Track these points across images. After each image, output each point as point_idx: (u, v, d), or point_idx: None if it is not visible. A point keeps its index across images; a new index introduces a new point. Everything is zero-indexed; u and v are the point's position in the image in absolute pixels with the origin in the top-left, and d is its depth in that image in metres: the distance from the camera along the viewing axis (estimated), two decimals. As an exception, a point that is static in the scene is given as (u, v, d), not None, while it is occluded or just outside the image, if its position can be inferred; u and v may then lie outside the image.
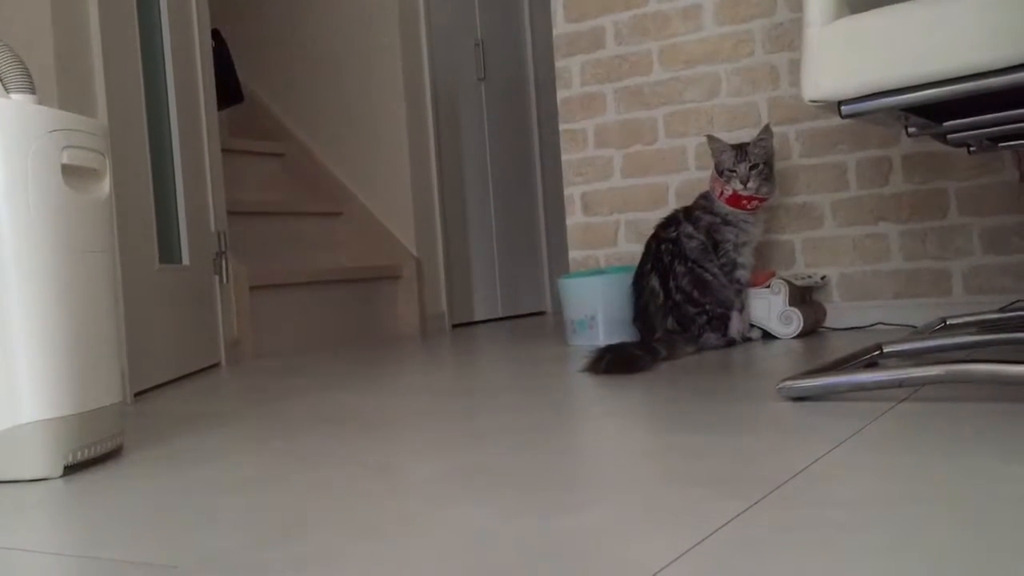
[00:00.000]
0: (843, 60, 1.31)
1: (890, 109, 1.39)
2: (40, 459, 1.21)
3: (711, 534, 0.78)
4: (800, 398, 1.37)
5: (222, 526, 0.92)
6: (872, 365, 1.59)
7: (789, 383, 1.37)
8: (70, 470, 1.24)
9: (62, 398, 1.23)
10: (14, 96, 1.25)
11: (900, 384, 1.30)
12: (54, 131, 1.25)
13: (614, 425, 1.32)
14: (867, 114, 1.36)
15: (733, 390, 1.55)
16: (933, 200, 2.28)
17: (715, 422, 1.27)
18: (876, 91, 1.30)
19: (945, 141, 1.75)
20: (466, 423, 1.41)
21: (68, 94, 1.94)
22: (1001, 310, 2.08)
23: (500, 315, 3.94)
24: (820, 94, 1.33)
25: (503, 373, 2.02)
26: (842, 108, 1.35)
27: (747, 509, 0.84)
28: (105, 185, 1.36)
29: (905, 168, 2.30)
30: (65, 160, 1.26)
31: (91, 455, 1.28)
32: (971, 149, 1.92)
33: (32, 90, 1.28)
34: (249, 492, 1.06)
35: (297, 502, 1.00)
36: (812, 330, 2.32)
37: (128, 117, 2.18)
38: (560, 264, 4.11)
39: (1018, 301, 2.14)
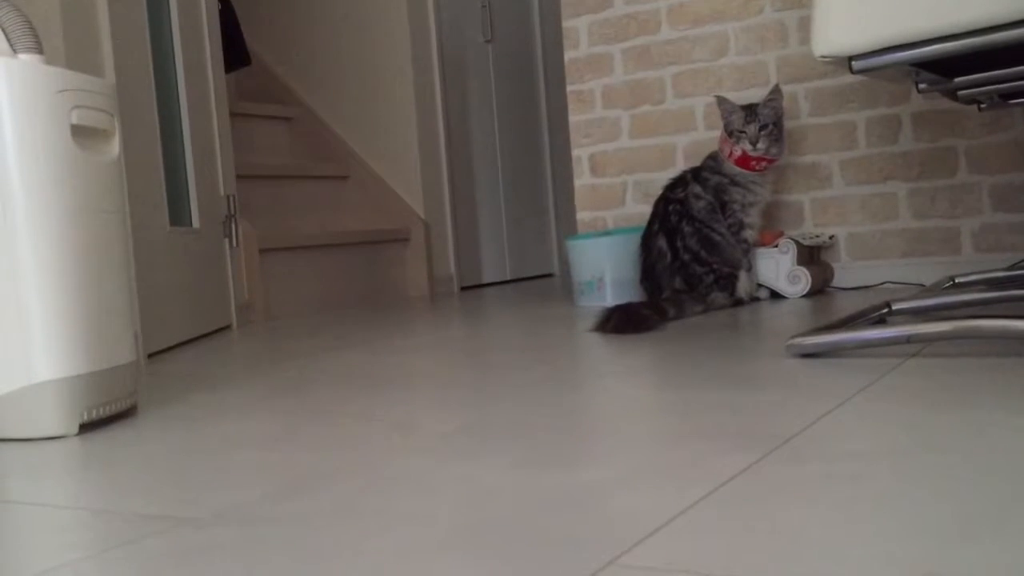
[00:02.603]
0: (854, 15, 1.30)
1: (901, 64, 1.39)
2: (56, 417, 1.22)
3: (719, 487, 0.78)
4: (809, 355, 1.37)
5: (238, 481, 0.94)
6: (881, 322, 1.60)
7: (798, 340, 1.38)
8: (85, 428, 1.26)
9: (76, 357, 1.25)
10: (21, 56, 1.25)
11: (908, 340, 1.31)
12: (63, 91, 1.25)
13: (623, 382, 1.33)
14: (878, 69, 1.35)
15: (741, 348, 1.56)
16: (943, 158, 2.26)
17: (724, 379, 1.28)
18: (887, 46, 1.30)
19: (955, 98, 1.74)
20: (476, 381, 1.43)
21: (75, 55, 1.94)
22: (1010, 268, 2.08)
23: (508, 277, 3.95)
24: (831, 49, 1.32)
25: (512, 333, 2.03)
26: (853, 63, 1.34)
27: (756, 462, 0.85)
28: (115, 145, 1.36)
29: (915, 126, 2.29)
30: (74, 120, 1.26)
31: (106, 413, 1.29)
32: (981, 106, 1.91)
33: (40, 50, 1.28)
34: (263, 448, 1.08)
35: (310, 457, 1.01)
36: (820, 289, 2.32)
37: (136, 80, 2.17)
38: (568, 226, 4.11)
39: (1027, 259, 2.14)
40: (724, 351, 1.53)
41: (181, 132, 2.45)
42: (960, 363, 1.24)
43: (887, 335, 1.33)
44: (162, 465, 1.04)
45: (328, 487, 0.88)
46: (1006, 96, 1.83)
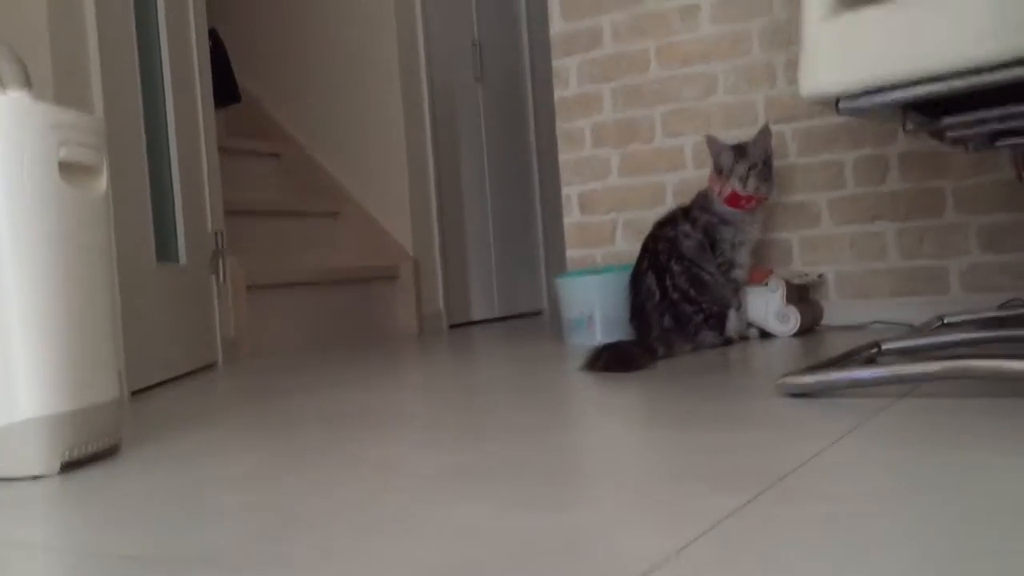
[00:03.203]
0: (841, 56, 1.31)
1: (888, 105, 1.39)
2: (37, 456, 1.20)
3: (712, 527, 0.77)
4: (799, 394, 1.37)
5: (220, 522, 0.92)
6: (870, 362, 1.59)
7: (788, 379, 1.37)
8: (67, 467, 1.24)
9: (59, 395, 1.23)
10: (10, 92, 1.25)
11: (899, 380, 1.30)
12: (51, 127, 1.24)
13: (612, 422, 1.32)
14: (865, 110, 1.36)
15: (731, 387, 1.55)
16: (930, 199, 2.28)
17: (714, 418, 1.27)
18: (874, 87, 1.30)
19: (943, 139, 1.75)
20: (464, 420, 1.41)
21: (65, 91, 1.94)
22: (999, 308, 2.08)
23: (497, 315, 3.94)
24: (818, 90, 1.33)
25: (501, 371, 2.01)
26: (840, 104, 1.35)
27: (749, 502, 0.84)
28: (102, 182, 1.36)
29: (902, 167, 2.30)
30: (62, 156, 1.25)
31: (88, 452, 1.27)
32: (968, 147, 1.92)
33: (28, 86, 1.27)
34: (247, 489, 1.06)
35: (295, 499, 0.99)
36: (809, 328, 2.32)
37: (125, 115, 2.17)
38: (557, 263, 4.11)
39: (1015, 299, 2.14)
40: (714, 390, 1.52)
41: (169, 168, 2.45)
42: (950, 403, 1.24)
43: (877, 375, 1.32)
44: (143, 506, 1.02)
45: (313, 529, 0.87)
46: (993, 137, 1.85)
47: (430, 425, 1.40)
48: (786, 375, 1.39)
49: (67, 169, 1.27)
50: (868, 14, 1.29)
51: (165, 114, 2.45)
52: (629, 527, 0.80)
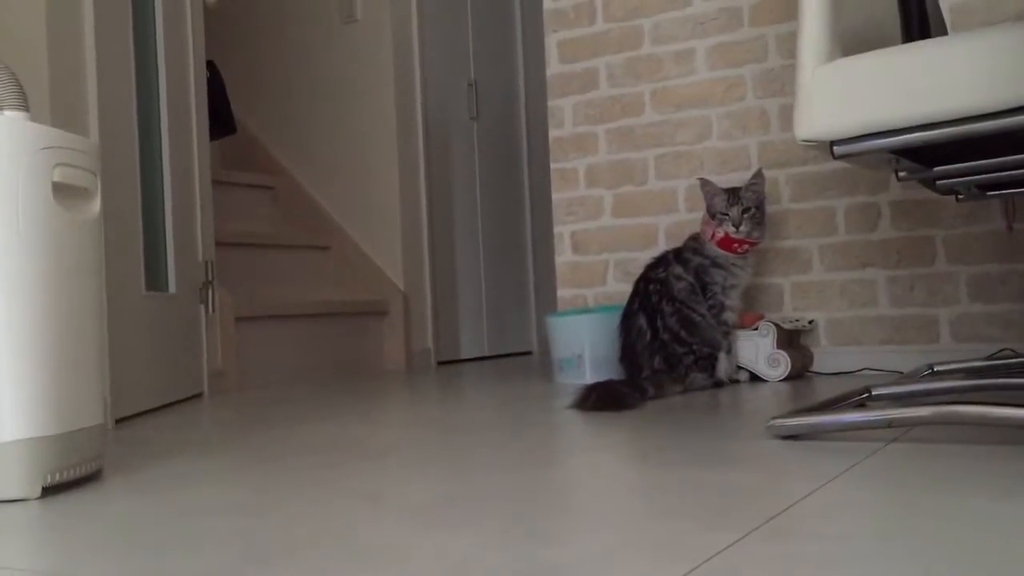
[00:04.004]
0: (836, 101, 1.32)
1: (881, 151, 1.40)
2: (18, 479, 1.19)
3: (701, 563, 0.76)
4: (789, 436, 1.36)
5: (203, 549, 0.90)
6: (861, 407, 1.59)
7: (779, 421, 1.37)
8: (48, 491, 1.22)
9: (43, 418, 1.21)
10: (7, 113, 1.25)
11: (889, 424, 1.30)
12: (46, 148, 1.24)
13: (601, 460, 1.31)
14: (859, 155, 1.37)
15: (722, 428, 1.54)
16: (921, 247, 2.29)
17: (705, 458, 1.26)
18: (868, 132, 1.31)
19: (934, 187, 1.77)
20: (453, 455, 1.40)
21: (60, 116, 1.94)
22: (989, 358, 2.09)
23: (486, 354, 3.93)
24: (813, 134, 1.34)
25: (490, 409, 2.00)
26: (834, 148, 1.36)
27: (738, 540, 0.83)
28: (95, 205, 1.35)
29: (893, 215, 2.32)
30: (56, 178, 1.25)
31: (70, 477, 1.25)
32: (959, 197, 1.93)
33: (26, 108, 1.27)
34: (231, 517, 1.05)
35: (280, 527, 0.98)
36: (799, 374, 2.31)
37: (120, 142, 2.17)
38: (547, 304, 4.11)
39: (1005, 349, 2.15)
40: (705, 431, 1.51)
41: (162, 196, 2.45)
42: (940, 448, 1.23)
43: (868, 419, 1.32)
44: (125, 531, 1.00)
45: (298, 557, 0.85)
46: (983, 187, 1.86)
47: (418, 459, 1.38)
48: (776, 417, 1.39)
49: (61, 191, 1.26)
50: (863, 61, 1.31)
51: (160, 142, 2.45)
52: (621, 561, 0.79)
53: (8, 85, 1.27)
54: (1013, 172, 1.59)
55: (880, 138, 1.31)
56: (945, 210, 2.26)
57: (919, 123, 1.27)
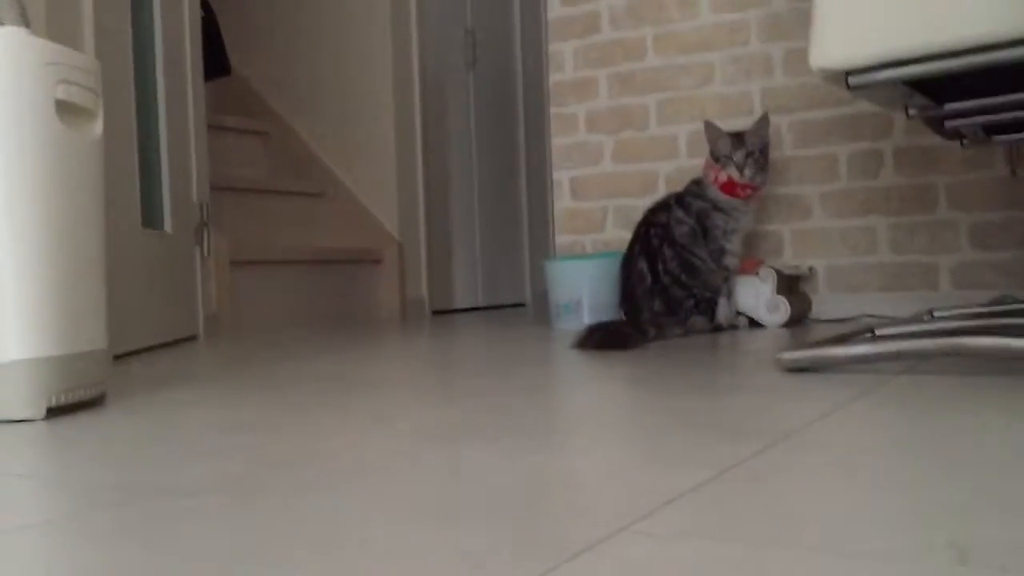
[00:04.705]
0: (853, 29, 1.30)
1: (896, 84, 1.39)
2: (23, 399, 1.17)
3: (725, 470, 0.76)
4: (798, 370, 1.36)
5: (220, 457, 0.90)
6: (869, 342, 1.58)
7: (787, 354, 1.36)
8: (53, 413, 1.21)
9: (48, 339, 1.20)
10: (8, 27, 1.22)
11: (899, 356, 1.30)
12: (49, 64, 1.21)
13: (612, 388, 1.30)
14: (873, 87, 1.35)
15: (729, 364, 1.54)
16: (923, 194, 2.28)
17: (716, 388, 1.26)
18: (885, 61, 1.30)
19: (941, 130, 1.75)
20: (455, 386, 1.39)
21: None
22: (988, 304, 2.09)
23: (480, 304, 3.92)
24: (828, 63, 1.32)
25: (490, 349, 1.99)
26: (849, 79, 1.34)
27: (759, 452, 0.82)
28: (98, 125, 1.33)
29: (896, 161, 2.30)
30: (59, 95, 1.22)
31: (75, 399, 1.24)
32: (964, 142, 1.92)
33: (27, 23, 1.24)
34: (242, 433, 1.04)
35: (292, 441, 0.97)
36: (798, 320, 2.31)
37: (115, 77, 2.13)
38: (541, 254, 4.09)
39: (1006, 295, 2.15)
40: (712, 366, 1.51)
41: (157, 134, 2.41)
42: (948, 379, 1.23)
43: (877, 350, 1.32)
44: (139, 443, 0.99)
45: (316, 464, 0.85)
46: (990, 131, 1.85)
47: (422, 389, 1.38)
48: (784, 350, 1.38)
49: (64, 109, 1.24)
50: (882, -13, 1.28)
51: (155, 79, 2.41)
52: (644, 468, 0.78)
53: (10, 2, 1.24)
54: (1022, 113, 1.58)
55: (896, 68, 1.29)
56: (948, 157, 2.25)
57: (938, 52, 1.25)
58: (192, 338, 2.59)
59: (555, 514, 0.65)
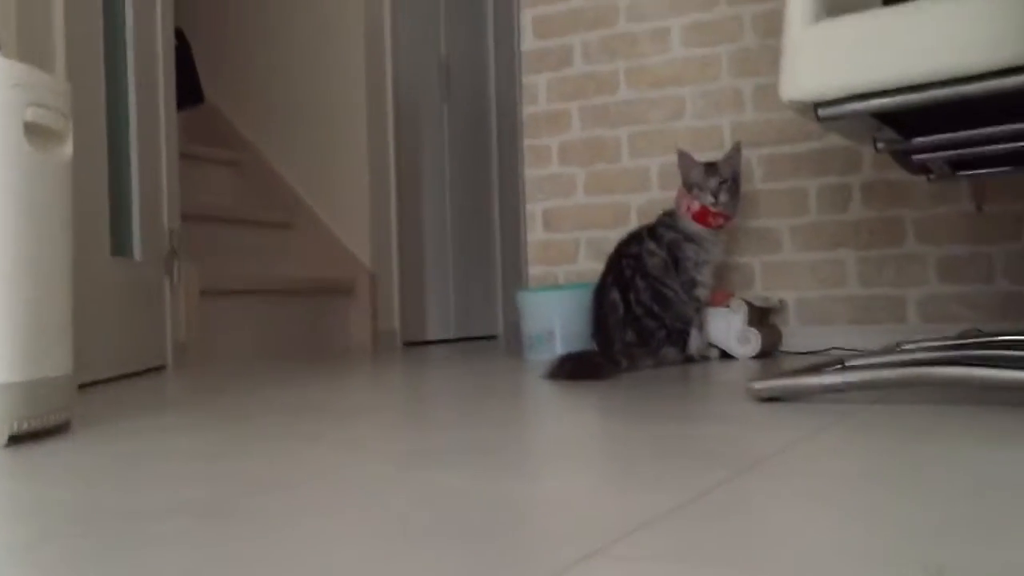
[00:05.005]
0: (823, 62, 1.32)
1: (864, 116, 1.41)
2: (-17, 425, 1.15)
3: (697, 497, 0.75)
4: (769, 399, 1.36)
5: (186, 483, 0.88)
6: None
7: (759, 383, 1.37)
8: (15, 440, 1.18)
9: (11, 363, 1.17)
10: (-22, 49, 1.21)
11: (868, 385, 1.30)
12: (17, 85, 1.20)
13: (584, 417, 1.30)
14: (842, 119, 1.37)
15: (701, 394, 1.54)
16: (891, 228, 2.31)
17: (687, 416, 1.25)
18: (853, 94, 1.32)
19: (909, 164, 1.78)
20: (428, 416, 1.38)
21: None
22: (958, 336, 2.11)
23: (452, 336, 3.90)
24: (799, 95, 1.34)
25: (462, 380, 1.98)
26: (819, 111, 1.36)
27: (729, 479, 0.82)
28: (67, 148, 1.31)
29: (864, 196, 2.33)
30: (28, 117, 1.21)
31: (38, 426, 1.22)
32: (931, 176, 1.95)
33: (-3, 45, 1.23)
34: (214, 460, 1.02)
35: (266, 468, 0.96)
36: (768, 352, 2.32)
37: (87, 104, 2.12)
38: (514, 286, 4.09)
39: (972, 328, 2.17)
40: (684, 396, 1.51)
41: (128, 161, 2.40)
42: (919, 408, 1.24)
43: (847, 379, 1.32)
44: (101, 471, 0.97)
45: (288, 490, 0.83)
46: (955, 166, 1.88)
47: (393, 418, 1.37)
48: (755, 380, 1.38)
49: (32, 131, 1.23)
50: (850, 21, 1.31)
51: (128, 107, 2.40)
52: (617, 494, 0.78)
53: (-22, 22, 1.23)
54: (989, 147, 1.60)
55: (865, 100, 1.31)
56: (915, 191, 2.28)
57: (905, 85, 1.27)
58: (160, 368, 2.56)
59: (528, 538, 0.64)
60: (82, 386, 2.02)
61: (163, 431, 1.27)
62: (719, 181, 2.14)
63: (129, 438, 1.21)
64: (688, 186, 2.18)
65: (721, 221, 2.18)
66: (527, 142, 2.76)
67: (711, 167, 2.17)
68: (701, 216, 2.16)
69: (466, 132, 4.06)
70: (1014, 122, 1.43)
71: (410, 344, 3.61)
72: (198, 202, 3.22)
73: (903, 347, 2.08)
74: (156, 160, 2.56)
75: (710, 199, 2.14)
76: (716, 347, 2.28)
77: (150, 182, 2.51)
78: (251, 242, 3.38)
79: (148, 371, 2.45)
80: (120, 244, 2.32)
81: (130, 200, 2.40)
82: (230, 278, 2.96)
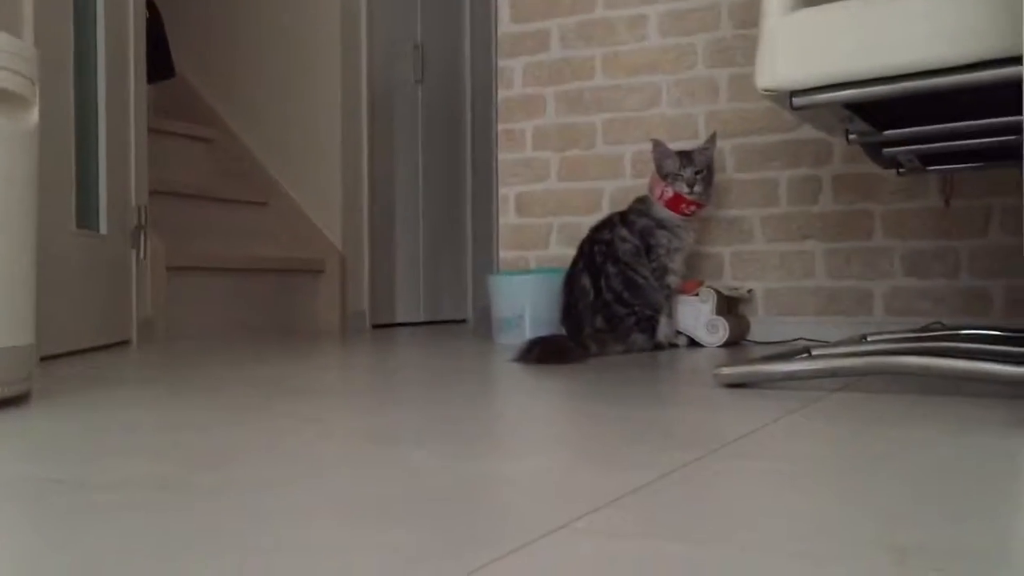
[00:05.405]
0: (797, 51, 1.32)
1: (838, 106, 1.42)
2: (-59, 393, 1.13)
3: (666, 474, 0.76)
4: (735, 385, 1.37)
5: (145, 456, 0.87)
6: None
7: (726, 369, 1.37)
8: (-27, 409, 1.16)
9: (-30, 331, 1.15)
10: (-57, 9, 1.18)
11: (835, 373, 1.31)
12: (-16, 49, 1.18)
13: (552, 400, 1.30)
14: (816, 108, 1.38)
15: (669, 379, 1.55)
16: (859, 221, 2.32)
17: (656, 400, 1.26)
18: (828, 84, 1.32)
19: (879, 157, 1.79)
20: (395, 394, 1.38)
21: (-6, 37, 1.85)
22: (920, 330, 2.13)
23: (422, 319, 3.89)
24: (774, 83, 1.34)
25: (431, 361, 1.98)
26: (793, 100, 1.36)
27: (698, 459, 0.82)
28: (34, 115, 1.29)
29: (835, 188, 2.35)
30: (-6, 81, 1.19)
31: (-3, 395, 1.20)
32: (900, 170, 1.97)
33: (-37, 6, 1.21)
34: (173, 432, 1.01)
35: (226, 441, 0.95)
36: (736, 341, 2.34)
37: (55, 72, 2.08)
38: (484, 270, 4.08)
39: (936, 322, 2.20)
40: (653, 381, 1.52)
41: (96, 133, 2.36)
42: (881, 396, 1.25)
43: (814, 367, 1.33)
44: (62, 441, 0.96)
45: (251, 464, 0.82)
46: (925, 160, 1.90)
47: (359, 396, 1.36)
48: (722, 366, 1.39)
49: (-2, 95, 1.20)
50: (826, 10, 1.31)
51: (96, 80, 2.36)
52: (584, 472, 0.78)
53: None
54: (958, 142, 1.62)
55: (839, 90, 1.32)
56: (884, 185, 2.30)
57: (879, 75, 1.28)
58: (125, 343, 2.53)
59: (495, 513, 0.64)
60: (43, 358, 1.99)
61: (123, 405, 1.26)
62: (694, 171, 2.14)
63: (88, 411, 1.19)
64: (663, 174, 2.19)
65: (693, 209, 2.19)
66: (502, 126, 2.75)
67: (686, 156, 2.17)
68: (674, 203, 2.17)
69: (440, 115, 4.04)
70: (984, 117, 1.45)
71: (379, 326, 3.59)
72: (170, 178, 3.18)
73: (868, 339, 2.10)
74: (125, 134, 2.53)
75: (685, 188, 2.15)
76: (684, 335, 2.29)
77: (118, 155, 2.47)
78: (222, 219, 3.34)
79: (112, 346, 2.42)
80: (85, 216, 2.29)
81: (97, 172, 2.36)
82: (198, 255, 2.93)
